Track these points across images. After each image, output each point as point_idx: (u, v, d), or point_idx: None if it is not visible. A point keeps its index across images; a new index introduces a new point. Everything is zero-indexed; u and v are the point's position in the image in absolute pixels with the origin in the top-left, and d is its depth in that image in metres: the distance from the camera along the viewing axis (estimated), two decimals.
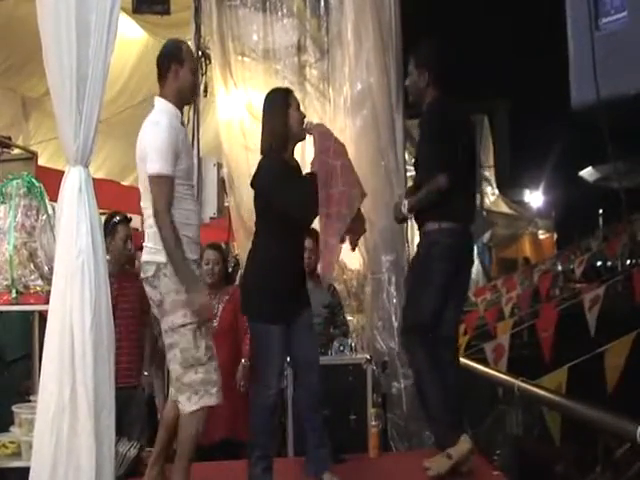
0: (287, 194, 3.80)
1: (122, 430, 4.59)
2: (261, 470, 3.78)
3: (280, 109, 3.93)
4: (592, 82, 1.84)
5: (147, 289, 3.63)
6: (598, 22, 1.90)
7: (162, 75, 3.71)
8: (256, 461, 3.80)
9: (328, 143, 3.85)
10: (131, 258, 5.13)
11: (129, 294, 4.77)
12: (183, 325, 3.52)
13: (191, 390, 3.52)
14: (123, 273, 4.84)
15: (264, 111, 4.00)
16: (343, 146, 3.94)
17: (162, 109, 3.66)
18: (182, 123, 3.82)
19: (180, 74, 3.67)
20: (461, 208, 4.10)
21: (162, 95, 3.71)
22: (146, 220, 3.64)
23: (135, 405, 4.79)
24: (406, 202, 4.12)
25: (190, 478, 3.58)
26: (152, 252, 3.57)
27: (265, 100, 4.04)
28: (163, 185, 3.49)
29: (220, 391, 3.60)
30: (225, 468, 4.50)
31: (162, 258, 3.51)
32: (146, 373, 4.97)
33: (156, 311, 3.67)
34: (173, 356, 3.57)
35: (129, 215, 5.01)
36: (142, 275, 3.66)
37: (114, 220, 4.89)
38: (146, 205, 3.61)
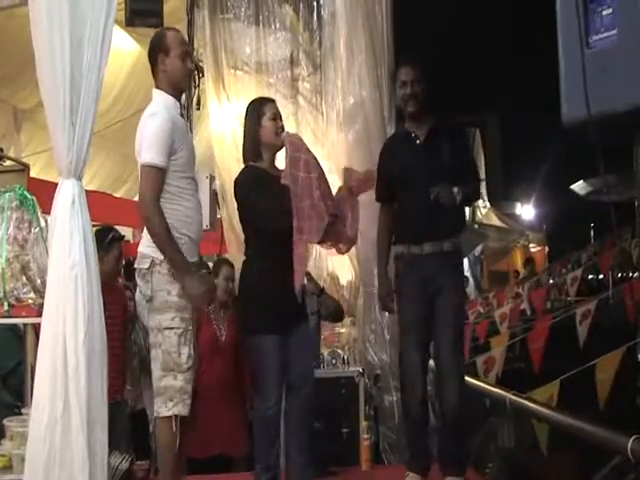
0: (255, 203, 3.88)
1: (109, 446, 4.58)
2: None
3: (253, 118, 4.01)
4: (583, 98, 1.85)
5: (139, 281, 3.62)
6: (589, 39, 1.92)
7: (153, 68, 3.73)
8: (260, 474, 3.82)
9: (298, 155, 3.84)
10: (118, 274, 5.11)
11: (112, 309, 4.72)
12: (169, 328, 3.51)
13: (167, 395, 3.50)
14: (108, 287, 4.82)
15: (244, 121, 4.09)
16: (314, 157, 3.92)
17: (158, 100, 3.68)
18: (182, 115, 3.84)
19: (167, 62, 3.66)
20: None
21: (157, 87, 3.73)
22: None
23: (120, 421, 4.76)
24: (459, 190, 3.90)
25: None
26: (149, 246, 3.56)
27: (245, 110, 4.12)
28: (153, 175, 3.50)
29: (191, 403, 3.56)
30: None
31: (159, 254, 3.51)
32: (129, 388, 4.93)
33: (144, 306, 3.64)
34: (155, 356, 3.57)
35: (121, 227, 5.01)
36: (136, 265, 3.66)
37: (111, 236, 4.87)
38: None
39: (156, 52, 3.68)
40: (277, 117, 4.00)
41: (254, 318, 3.89)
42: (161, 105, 3.63)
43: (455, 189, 3.88)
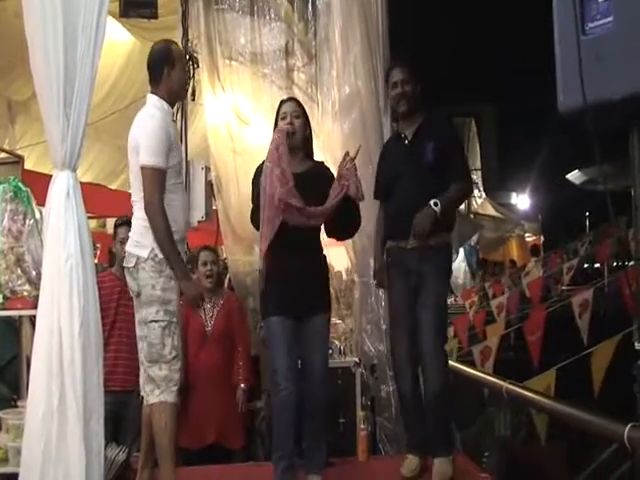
0: (251, 196, 4.10)
1: (118, 433, 4.59)
2: (280, 471, 3.81)
3: (274, 121, 4.14)
4: (579, 86, 1.85)
5: (128, 279, 3.81)
6: (584, 27, 1.91)
7: (154, 78, 3.86)
8: (276, 462, 3.83)
9: (271, 147, 3.92)
10: None
11: (130, 298, 4.73)
12: (154, 321, 3.68)
13: (154, 383, 3.69)
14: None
15: None
16: (275, 147, 3.92)
17: (155, 105, 3.81)
18: (173, 121, 4.00)
19: (172, 75, 3.84)
20: None
21: (154, 94, 3.85)
22: (135, 212, 3.78)
23: (131, 409, 4.78)
24: (437, 202, 3.99)
25: None
26: (134, 245, 3.74)
27: None
28: (156, 177, 3.63)
29: (178, 391, 3.75)
30: (214, 472, 4.49)
31: (142, 253, 3.68)
32: None
33: (135, 302, 3.81)
34: (142, 348, 3.75)
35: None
36: (124, 264, 3.84)
37: (115, 222, 4.91)
38: (136, 198, 3.74)
39: (162, 64, 3.83)
40: (286, 116, 4.04)
41: (263, 302, 4.04)
42: (158, 109, 3.78)
43: (432, 202, 3.99)
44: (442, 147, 4.14)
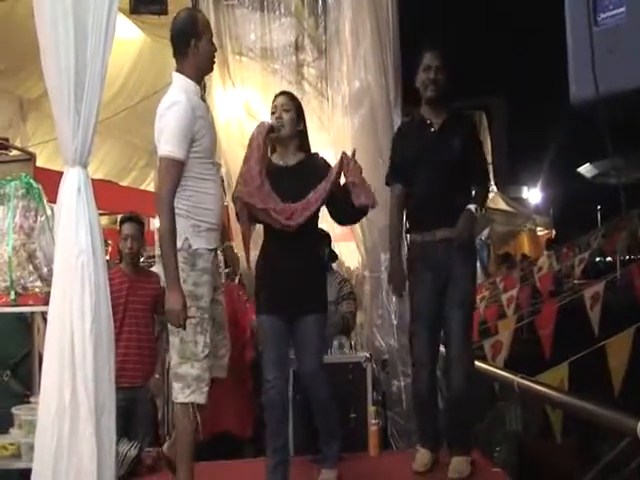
0: None
1: (129, 429, 4.60)
2: (272, 466, 3.81)
3: None
4: (591, 77, 1.84)
5: (159, 267, 3.68)
6: (597, 17, 1.90)
7: (179, 51, 3.58)
8: (270, 455, 3.84)
9: (250, 142, 3.90)
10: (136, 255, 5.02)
11: (141, 294, 4.73)
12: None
13: (184, 382, 3.50)
14: (135, 272, 4.81)
15: None
16: (249, 142, 3.90)
17: (181, 86, 3.55)
18: (202, 98, 3.72)
19: (199, 48, 3.56)
20: None
21: (180, 71, 3.59)
22: None
23: (140, 405, 4.79)
24: (477, 207, 4.16)
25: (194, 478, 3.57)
26: None
27: None
28: (171, 169, 3.40)
29: (208, 391, 3.57)
30: (225, 467, 4.50)
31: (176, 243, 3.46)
32: (157, 375, 4.93)
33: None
34: (172, 343, 3.54)
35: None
36: (156, 252, 3.66)
37: (120, 219, 4.91)
38: None
39: (188, 36, 3.53)
40: (275, 110, 3.98)
41: (256, 299, 4.02)
42: (182, 92, 3.51)
43: (472, 207, 4.12)
44: (467, 146, 4.15)
